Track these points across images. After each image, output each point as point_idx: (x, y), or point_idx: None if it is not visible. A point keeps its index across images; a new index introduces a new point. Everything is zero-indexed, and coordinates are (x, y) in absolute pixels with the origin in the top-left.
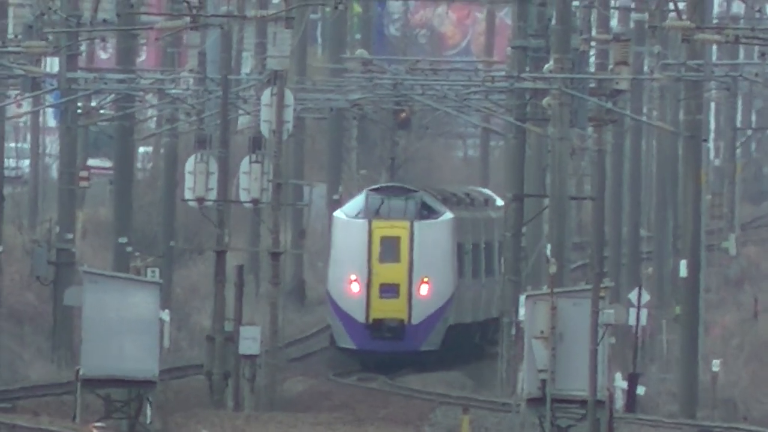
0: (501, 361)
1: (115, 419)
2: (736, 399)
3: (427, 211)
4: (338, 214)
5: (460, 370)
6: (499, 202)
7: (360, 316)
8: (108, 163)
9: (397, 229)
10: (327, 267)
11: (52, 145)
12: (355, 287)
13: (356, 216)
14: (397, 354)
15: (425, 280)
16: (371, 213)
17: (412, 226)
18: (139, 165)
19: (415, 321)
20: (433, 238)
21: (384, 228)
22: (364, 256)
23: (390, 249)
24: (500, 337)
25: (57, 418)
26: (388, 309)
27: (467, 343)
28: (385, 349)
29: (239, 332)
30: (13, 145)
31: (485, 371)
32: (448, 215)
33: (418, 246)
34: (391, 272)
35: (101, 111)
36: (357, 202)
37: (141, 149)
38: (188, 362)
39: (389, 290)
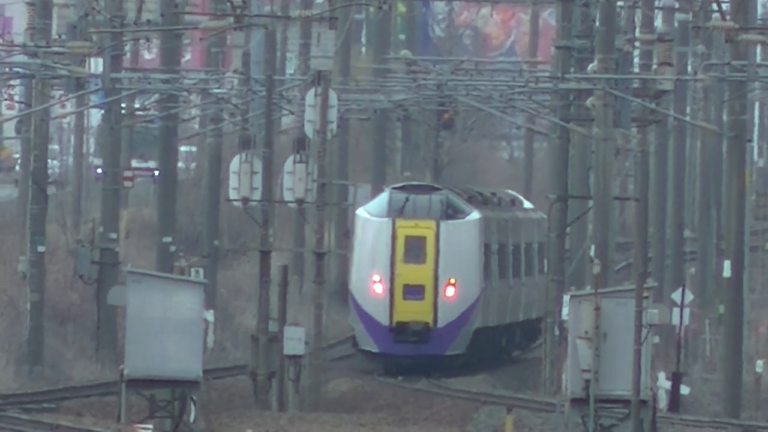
0: (545, 361)
1: (159, 419)
2: None
3: (453, 211)
4: (360, 212)
5: (490, 373)
6: (527, 204)
7: (383, 319)
8: (148, 164)
9: (423, 228)
10: (350, 267)
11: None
12: (379, 288)
13: (380, 215)
14: (421, 358)
15: (451, 281)
16: (395, 212)
17: (438, 225)
18: (182, 165)
19: (440, 324)
20: (460, 238)
21: (409, 227)
22: (387, 256)
23: (415, 249)
24: (544, 337)
25: (101, 419)
26: (413, 311)
27: (493, 347)
28: (409, 353)
29: (284, 332)
30: (56, 147)
31: (516, 375)
32: (476, 215)
33: (444, 246)
34: (415, 273)
35: (139, 112)
36: (380, 201)
37: (183, 149)
38: (233, 362)
39: (414, 292)
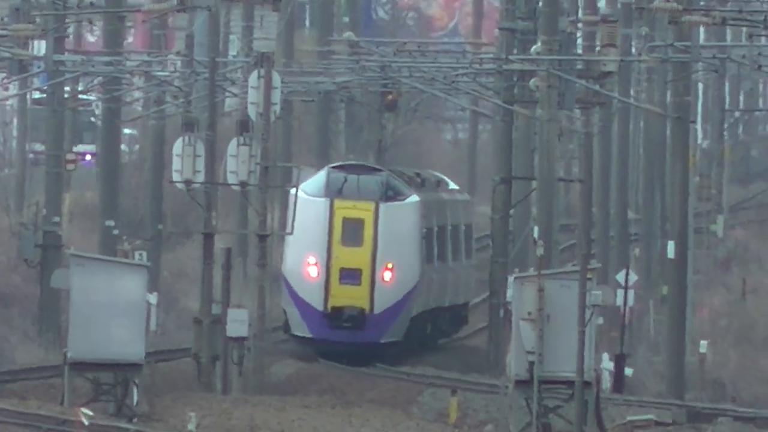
0: (489, 343)
1: (103, 402)
2: (724, 380)
3: (393, 193)
4: (297, 191)
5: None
6: (452, 185)
7: (318, 304)
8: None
9: (361, 210)
10: (282, 248)
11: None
12: (313, 271)
13: (316, 194)
14: (356, 345)
15: (389, 266)
16: (333, 192)
17: (377, 207)
18: (124, 148)
19: (377, 310)
20: (399, 221)
21: (347, 209)
22: (324, 237)
23: (353, 231)
24: (490, 318)
25: (45, 402)
26: (349, 296)
27: (421, 334)
28: (344, 340)
29: (227, 315)
30: None
31: (460, 357)
32: (415, 197)
33: (383, 229)
34: (352, 256)
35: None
36: (317, 180)
37: (125, 131)
38: (176, 345)
39: (350, 276)
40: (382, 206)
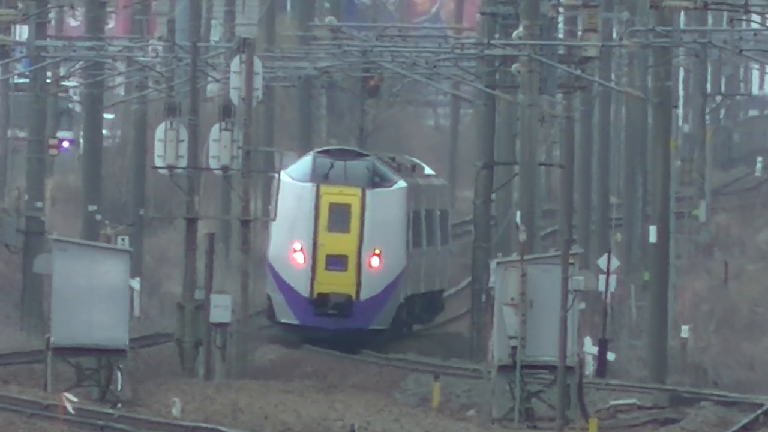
0: (472, 328)
1: (86, 387)
2: (705, 364)
3: (379, 178)
4: (282, 176)
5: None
6: (428, 170)
7: (304, 290)
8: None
9: (348, 196)
10: (266, 233)
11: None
12: (300, 258)
13: (303, 179)
14: (343, 332)
15: (376, 252)
16: (319, 177)
17: (363, 193)
18: (106, 133)
19: (363, 297)
20: (386, 207)
21: (333, 194)
22: (310, 223)
23: (339, 217)
24: (473, 303)
25: (27, 387)
26: (335, 283)
27: (403, 321)
28: (331, 327)
29: (210, 300)
30: None
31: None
32: (402, 183)
33: (370, 215)
34: (339, 243)
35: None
36: (303, 165)
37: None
38: (159, 330)
39: (337, 262)
40: (369, 192)
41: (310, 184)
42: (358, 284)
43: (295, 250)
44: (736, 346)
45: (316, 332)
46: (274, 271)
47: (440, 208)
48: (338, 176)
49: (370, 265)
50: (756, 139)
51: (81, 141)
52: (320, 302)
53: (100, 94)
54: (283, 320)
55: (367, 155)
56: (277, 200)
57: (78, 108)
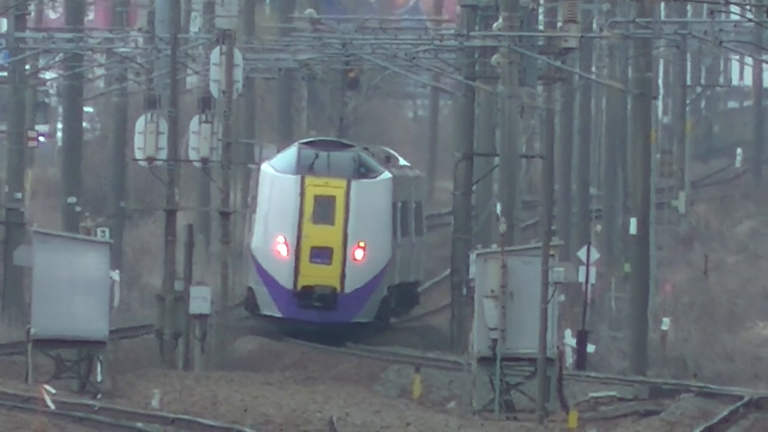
0: (452, 320)
1: (66, 379)
2: (686, 357)
3: (365, 169)
4: (266, 167)
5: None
6: (402, 161)
7: (287, 282)
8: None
9: (333, 187)
10: (251, 225)
11: None
12: (283, 250)
13: (287, 171)
14: (327, 325)
15: (361, 244)
16: (304, 168)
17: (349, 184)
18: (86, 125)
19: (348, 289)
20: (372, 199)
21: (318, 186)
22: (294, 215)
23: (324, 209)
24: (453, 295)
25: (8, 379)
26: (319, 275)
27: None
28: (315, 320)
29: (190, 292)
30: None
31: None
32: (387, 174)
33: (355, 207)
34: (323, 235)
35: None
36: (288, 156)
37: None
38: (139, 322)
39: (321, 255)
40: (354, 183)
41: (295, 176)
42: (343, 276)
43: (279, 242)
44: (716, 337)
45: (299, 325)
46: (258, 263)
47: (415, 199)
48: (323, 167)
49: (354, 258)
50: (736, 131)
51: (58, 134)
52: (304, 295)
53: (80, 86)
54: (266, 313)
55: (351, 146)
56: (257, 192)
57: (53, 102)
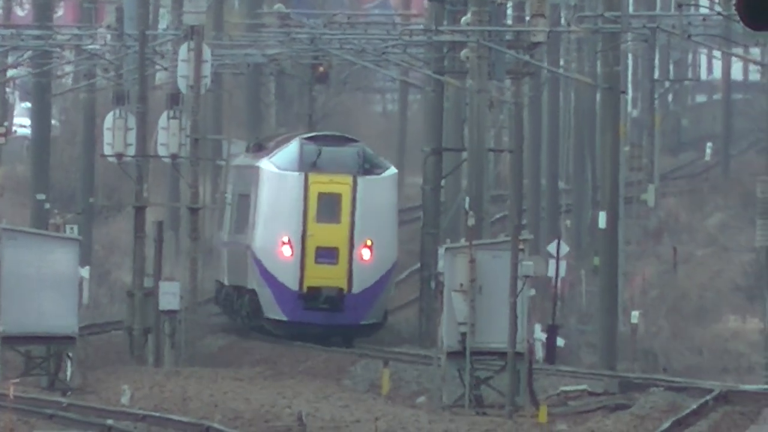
0: (421, 314)
1: (35, 376)
2: (655, 350)
3: (370, 165)
4: (266, 165)
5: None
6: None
7: (292, 284)
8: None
9: (338, 185)
10: (253, 225)
11: None
12: (287, 251)
13: (289, 168)
14: (334, 328)
15: (368, 243)
16: (307, 165)
17: (354, 181)
18: (54, 122)
19: (356, 290)
20: (378, 196)
21: (323, 183)
22: (298, 214)
23: (329, 207)
24: (422, 290)
25: None
26: (325, 276)
27: None
28: (321, 322)
29: (159, 288)
30: None
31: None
32: (393, 170)
33: (361, 205)
34: (329, 234)
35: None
36: (289, 152)
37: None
38: (108, 318)
39: (327, 255)
40: (360, 180)
41: (298, 174)
42: (350, 277)
43: (282, 243)
44: (685, 331)
45: (305, 328)
46: (261, 265)
47: None
48: (327, 164)
49: (361, 257)
50: (704, 125)
51: (14, 130)
52: (310, 296)
53: (49, 83)
54: (270, 316)
55: (355, 140)
56: (225, 186)
57: (12, 98)
